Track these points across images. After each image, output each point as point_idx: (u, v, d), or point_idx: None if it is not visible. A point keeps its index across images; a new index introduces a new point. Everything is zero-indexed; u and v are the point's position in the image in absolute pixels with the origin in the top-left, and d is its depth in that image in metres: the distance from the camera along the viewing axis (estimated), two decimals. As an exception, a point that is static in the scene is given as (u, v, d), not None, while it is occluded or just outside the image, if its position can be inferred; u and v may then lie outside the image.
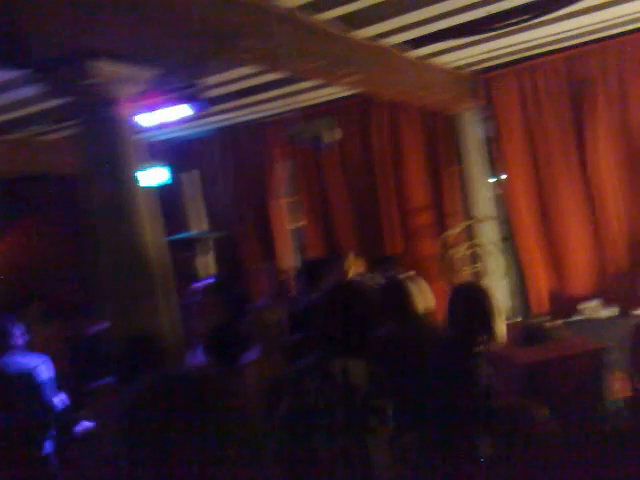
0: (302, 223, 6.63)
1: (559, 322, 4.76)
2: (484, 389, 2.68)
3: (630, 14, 4.58)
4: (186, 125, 6.11)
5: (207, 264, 6.78)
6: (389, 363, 2.59)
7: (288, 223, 6.73)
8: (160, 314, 3.26)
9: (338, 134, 3.27)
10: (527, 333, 4.66)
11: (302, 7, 3.74)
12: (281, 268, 5.93)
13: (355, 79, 4.26)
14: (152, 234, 3.37)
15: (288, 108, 4.11)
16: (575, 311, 5.32)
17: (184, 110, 4.40)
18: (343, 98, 5.96)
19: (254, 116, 6.26)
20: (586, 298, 5.34)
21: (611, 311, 5.17)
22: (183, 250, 6.17)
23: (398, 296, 3.25)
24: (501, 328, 2.78)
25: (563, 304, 5.41)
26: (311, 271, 4.38)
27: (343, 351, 2.37)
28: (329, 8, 3.80)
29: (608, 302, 5.22)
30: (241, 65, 4.37)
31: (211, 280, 4.94)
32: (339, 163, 6.25)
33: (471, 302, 2.83)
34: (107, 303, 3.34)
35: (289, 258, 6.53)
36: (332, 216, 6.35)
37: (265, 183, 6.62)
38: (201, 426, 1.28)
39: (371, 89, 4.91)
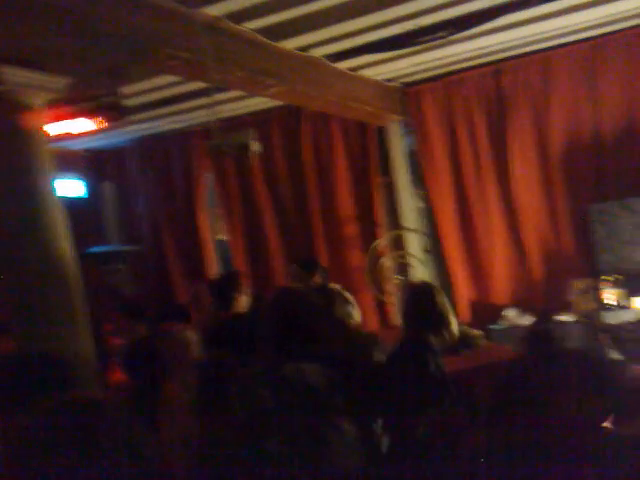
0: (227, 235, 6.51)
1: (480, 331, 4.85)
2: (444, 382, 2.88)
3: (551, 30, 4.72)
4: (104, 134, 5.89)
5: (127, 279, 6.55)
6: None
7: (212, 235, 6.59)
8: (70, 333, 3.10)
9: (263, 145, 3.21)
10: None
11: (227, 16, 3.67)
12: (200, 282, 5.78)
13: (281, 90, 4.21)
14: (62, 248, 3.21)
15: (212, 118, 4.00)
16: (497, 319, 5.43)
17: (100, 119, 4.22)
18: (270, 108, 5.90)
19: (176, 126, 6.11)
20: (507, 306, 5.47)
21: (531, 318, 5.31)
22: (101, 264, 5.94)
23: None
24: (454, 324, 2.98)
25: (486, 313, 5.52)
26: (224, 286, 4.26)
27: (294, 355, 2.41)
28: (255, 18, 3.75)
29: (528, 310, 5.36)
30: (163, 73, 4.25)
31: (130, 297, 4.76)
32: (265, 174, 6.16)
33: (426, 300, 2.99)
34: (13, 321, 3.16)
35: (213, 271, 6.39)
36: (258, 228, 6.26)
37: (188, 194, 6.45)
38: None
39: (298, 100, 4.88)
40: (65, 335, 3.09)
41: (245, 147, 3.25)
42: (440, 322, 3.00)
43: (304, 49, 4.34)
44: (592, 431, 2.47)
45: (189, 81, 4.46)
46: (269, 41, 4.05)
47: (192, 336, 3.41)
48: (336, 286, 4.89)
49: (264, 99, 5.11)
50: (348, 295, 4.81)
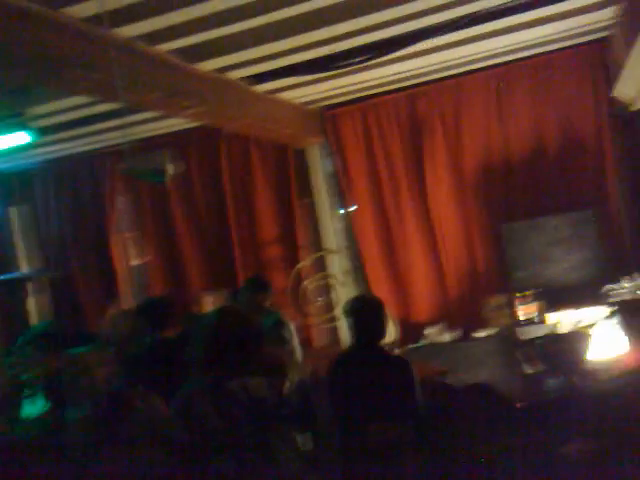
0: (146, 259, 6.32)
1: (404, 348, 4.92)
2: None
3: (462, 57, 4.90)
4: (12, 157, 5.63)
5: (42, 306, 6.24)
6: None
7: (130, 259, 6.39)
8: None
9: (180, 167, 3.14)
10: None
11: (142, 37, 3.59)
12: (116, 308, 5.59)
13: (198, 111, 4.15)
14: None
15: (128, 139, 3.90)
16: (421, 336, 5.52)
17: (9, 140, 4.03)
18: (188, 130, 5.81)
19: (92, 147, 5.92)
20: (431, 323, 5.57)
21: (453, 335, 5.43)
22: (12, 291, 5.63)
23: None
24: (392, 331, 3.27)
25: (410, 330, 5.60)
26: (155, 310, 4.16)
27: (238, 370, 2.47)
28: (171, 39, 3.69)
29: (450, 326, 5.47)
30: (76, 94, 4.12)
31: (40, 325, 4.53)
32: (183, 196, 6.06)
33: (371, 311, 3.22)
34: None
35: (131, 297, 6.18)
36: (179, 251, 6.12)
37: (105, 217, 6.26)
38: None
39: (216, 121, 4.83)
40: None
41: (160, 169, 3.16)
42: (383, 333, 3.24)
43: (222, 71, 4.31)
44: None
45: (102, 102, 4.34)
46: (185, 62, 3.99)
47: (95, 363, 3.32)
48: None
49: (182, 120, 5.04)
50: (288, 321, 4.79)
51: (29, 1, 2.97)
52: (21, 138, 4.19)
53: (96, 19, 3.21)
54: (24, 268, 6.52)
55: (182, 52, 3.88)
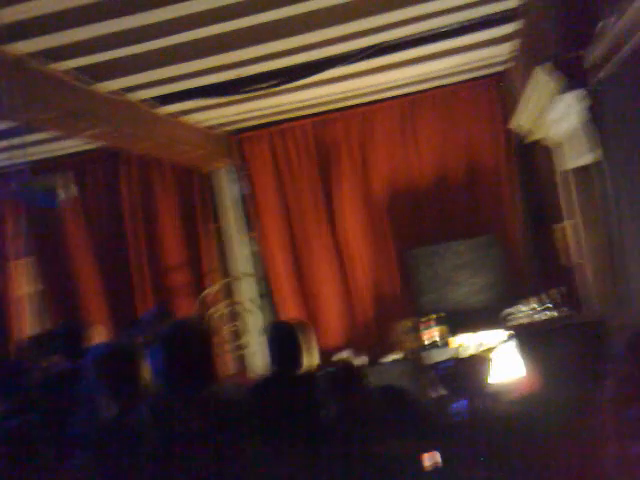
0: (39, 287, 5.95)
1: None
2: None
3: (370, 86, 4.99)
4: None
5: None
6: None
7: (23, 287, 6.00)
8: None
9: (75, 191, 2.99)
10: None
11: (39, 54, 3.42)
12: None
13: (98, 132, 3.99)
14: None
15: (21, 160, 3.66)
16: (329, 363, 5.48)
17: None
18: (88, 151, 5.58)
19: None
20: (339, 349, 5.55)
21: (361, 360, 5.43)
22: None
23: None
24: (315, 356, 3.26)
25: (322, 356, 5.54)
26: (72, 335, 3.94)
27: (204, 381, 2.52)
28: (69, 58, 3.53)
29: (358, 352, 5.48)
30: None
31: None
32: (83, 220, 5.79)
33: (290, 338, 3.20)
34: None
35: (27, 326, 5.80)
36: (74, 279, 5.82)
37: (-4, 243, 5.87)
38: None
39: (117, 143, 4.65)
40: None
41: (53, 193, 2.99)
42: (296, 357, 3.20)
43: (125, 91, 4.16)
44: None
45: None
46: (86, 82, 3.83)
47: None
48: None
49: (80, 142, 4.82)
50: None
51: None
52: None
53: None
54: None
55: (83, 71, 3.72)
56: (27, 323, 5.85)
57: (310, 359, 3.25)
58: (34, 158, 5.10)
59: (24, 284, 5.98)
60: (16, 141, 3.47)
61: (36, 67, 3.46)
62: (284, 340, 3.25)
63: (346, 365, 3.28)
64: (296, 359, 3.18)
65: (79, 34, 3.26)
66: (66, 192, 3.09)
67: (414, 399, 3.01)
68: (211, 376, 2.64)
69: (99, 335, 4.53)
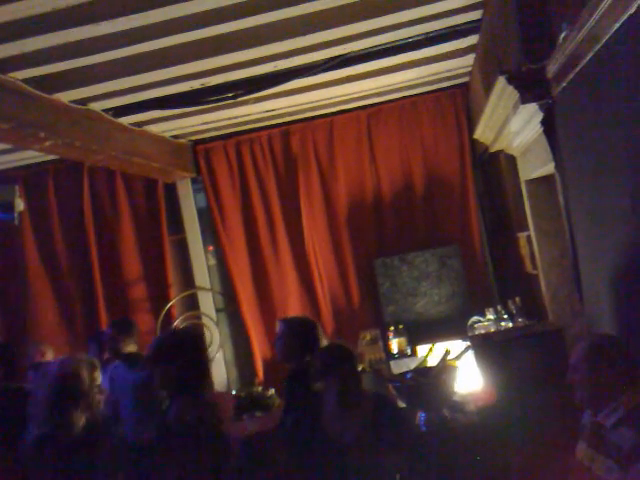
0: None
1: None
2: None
3: (333, 97, 5.01)
4: None
5: None
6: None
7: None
8: None
9: (21, 204, 2.92)
10: (246, 404, 4.66)
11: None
12: None
13: (55, 143, 3.89)
14: None
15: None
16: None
17: None
18: (45, 162, 5.47)
19: None
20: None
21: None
22: None
23: None
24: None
25: (284, 370, 5.51)
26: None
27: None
28: (21, 68, 3.45)
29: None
30: None
31: None
32: (39, 233, 5.68)
33: (308, 332, 3.45)
34: None
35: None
36: (31, 293, 5.68)
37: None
38: None
39: (75, 155, 4.56)
40: None
41: (8, 205, 2.92)
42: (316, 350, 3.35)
43: (81, 102, 4.09)
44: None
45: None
46: (41, 93, 3.75)
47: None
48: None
49: (37, 152, 4.73)
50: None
51: None
52: None
53: None
54: None
55: (36, 81, 3.64)
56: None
57: None
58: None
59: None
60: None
61: (-10, 77, 3.38)
62: (309, 331, 3.46)
63: (340, 344, 3.36)
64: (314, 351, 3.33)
65: (34, 44, 3.19)
66: (22, 204, 3.02)
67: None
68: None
69: (50, 352, 4.45)
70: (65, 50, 3.31)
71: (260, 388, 5.01)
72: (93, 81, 3.78)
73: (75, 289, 5.71)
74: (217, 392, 5.36)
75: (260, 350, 5.62)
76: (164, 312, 5.53)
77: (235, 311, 5.71)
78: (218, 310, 5.83)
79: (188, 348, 2.86)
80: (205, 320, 5.70)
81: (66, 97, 3.94)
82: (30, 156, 5.18)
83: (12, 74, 3.47)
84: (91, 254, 5.66)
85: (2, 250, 5.74)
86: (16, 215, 3.00)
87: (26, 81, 3.57)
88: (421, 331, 5.06)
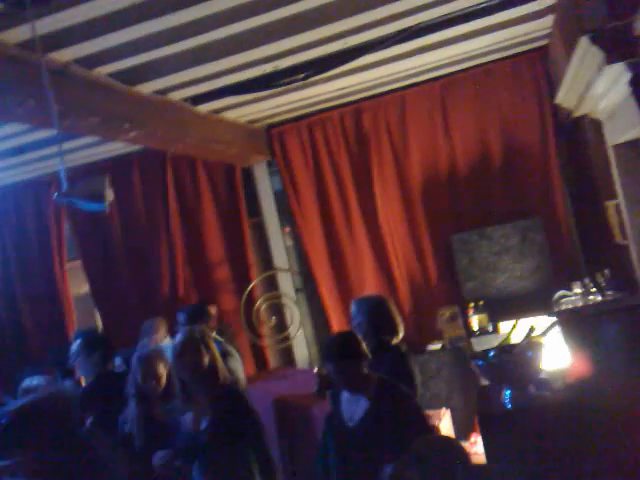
0: (89, 287, 6.14)
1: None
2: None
3: (404, 70, 4.93)
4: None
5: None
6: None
7: (74, 289, 6.20)
8: None
9: (111, 194, 3.06)
10: (327, 381, 4.72)
11: (78, 61, 3.49)
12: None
13: (139, 134, 4.06)
14: None
15: (64, 166, 3.80)
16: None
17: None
18: (130, 153, 5.69)
19: (28, 175, 5.74)
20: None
21: (406, 348, 5.39)
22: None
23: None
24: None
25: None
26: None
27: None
28: (108, 63, 3.61)
29: (404, 340, 5.43)
30: (10, 122, 3.99)
31: None
32: (126, 220, 5.93)
33: (384, 310, 3.51)
34: None
35: (74, 327, 6.00)
36: (121, 278, 5.97)
37: (44, 247, 6.07)
38: None
39: (158, 144, 4.74)
40: None
41: (99, 195, 3.06)
42: (395, 330, 3.45)
43: (163, 92, 4.23)
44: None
45: (38, 129, 4.21)
46: (124, 85, 3.90)
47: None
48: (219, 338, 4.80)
49: (123, 144, 4.93)
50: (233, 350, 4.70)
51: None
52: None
53: (28, 45, 3.11)
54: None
55: (120, 75, 3.79)
56: (76, 323, 6.06)
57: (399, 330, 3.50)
58: (81, 162, 5.28)
59: (74, 286, 6.20)
60: (61, 147, 3.57)
61: (77, 73, 3.54)
62: (379, 311, 3.49)
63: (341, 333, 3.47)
64: (393, 329, 3.42)
65: (114, 39, 3.31)
66: (112, 194, 3.16)
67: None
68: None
69: (163, 328, 4.64)
70: (144, 43, 3.43)
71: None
72: (171, 71, 3.89)
73: (161, 271, 5.93)
74: (300, 369, 5.50)
75: (339, 328, 5.68)
76: (247, 293, 5.68)
77: (313, 290, 5.78)
78: (297, 290, 5.93)
79: None
80: (285, 300, 5.81)
81: (147, 88, 4.07)
82: (116, 147, 5.41)
83: (98, 69, 3.62)
84: (175, 238, 5.87)
85: (91, 237, 6.03)
86: (106, 205, 3.13)
87: (111, 75, 3.72)
88: (503, 307, 4.97)
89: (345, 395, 2.99)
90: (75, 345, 3.85)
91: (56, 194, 3.05)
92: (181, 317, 4.63)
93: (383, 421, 2.82)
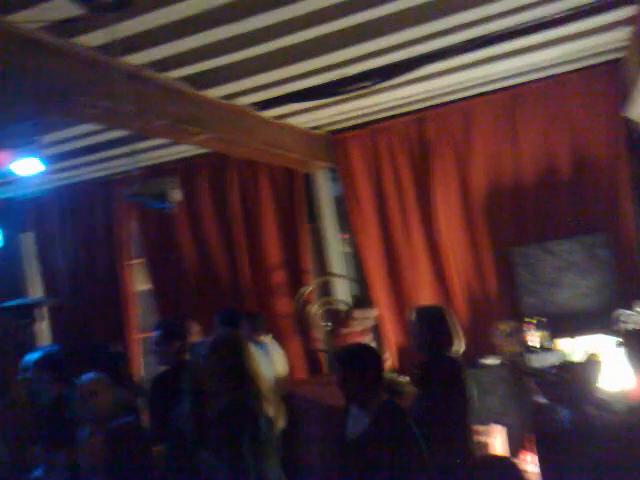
0: (149, 285, 6.31)
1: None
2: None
3: (471, 80, 4.88)
4: (23, 184, 5.69)
5: (44, 333, 6.27)
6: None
7: (138, 285, 6.39)
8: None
9: (184, 194, 3.16)
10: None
11: (150, 65, 3.63)
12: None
13: (204, 138, 4.17)
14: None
15: (133, 166, 3.96)
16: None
17: (17, 169, 4.07)
18: (196, 156, 5.84)
19: (99, 174, 5.97)
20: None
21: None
22: (17, 318, 5.65)
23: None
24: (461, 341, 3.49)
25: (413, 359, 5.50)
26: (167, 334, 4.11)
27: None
28: (178, 67, 3.73)
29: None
30: (83, 122, 4.16)
31: (45, 351, 4.54)
32: (191, 221, 6.07)
33: (440, 320, 3.49)
34: None
35: (135, 323, 6.19)
36: (183, 277, 6.11)
37: (113, 244, 6.28)
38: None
39: (223, 148, 4.84)
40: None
41: (165, 196, 3.17)
42: (451, 340, 3.42)
43: (229, 97, 4.32)
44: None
45: (110, 129, 4.37)
46: (193, 89, 4.02)
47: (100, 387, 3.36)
48: (266, 338, 4.85)
49: (190, 146, 5.07)
50: (275, 346, 4.72)
51: (39, 32, 3.01)
52: (32, 165, 4.22)
53: (104, 48, 3.24)
54: (34, 294, 6.56)
55: (190, 79, 3.90)
56: (137, 319, 6.25)
57: (459, 342, 3.46)
58: (149, 163, 5.46)
59: (139, 282, 6.39)
60: (129, 148, 3.71)
61: (149, 77, 3.67)
62: (438, 322, 3.46)
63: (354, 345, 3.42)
64: (450, 341, 3.39)
65: (186, 44, 3.42)
66: (177, 195, 3.26)
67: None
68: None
69: (195, 331, 4.73)
70: (214, 48, 3.52)
71: (394, 374, 5.04)
72: (239, 77, 3.98)
73: (222, 272, 6.02)
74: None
75: (394, 337, 5.65)
76: (301, 297, 5.72)
77: (368, 298, 5.76)
78: (352, 297, 5.92)
79: None
80: (340, 305, 5.82)
81: (215, 93, 4.18)
82: (184, 150, 5.56)
83: (169, 73, 3.74)
84: (236, 240, 5.96)
85: (162, 238, 6.21)
86: (172, 205, 3.24)
87: (181, 79, 3.84)
88: (562, 324, 4.82)
89: (354, 408, 2.95)
90: (155, 334, 3.95)
91: (125, 192, 3.17)
92: (217, 319, 4.69)
93: (379, 443, 2.73)
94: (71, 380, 3.72)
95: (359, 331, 5.25)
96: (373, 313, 5.49)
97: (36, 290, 6.63)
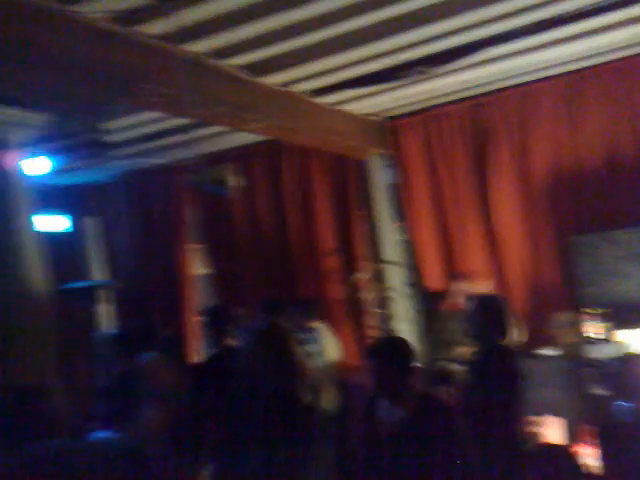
0: (208, 269, 6.45)
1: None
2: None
3: (530, 64, 4.78)
4: (88, 170, 5.88)
5: (108, 315, 6.47)
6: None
7: (196, 269, 6.54)
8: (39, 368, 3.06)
9: (242, 181, 3.22)
10: (435, 377, 4.70)
11: (209, 53, 3.70)
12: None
13: (262, 125, 4.22)
14: (36, 284, 3.18)
15: (193, 153, 4.07)
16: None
17: (82, 155, 4.21)
18: (252, 143, 5.90)
19: (159, 161, 6.10)
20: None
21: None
22: (82, 300, 5.86)
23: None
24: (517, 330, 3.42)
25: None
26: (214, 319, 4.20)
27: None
28: (236, 54, 3.78)
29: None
30: (145, 110, 4.26)
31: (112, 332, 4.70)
32: (247, 207, 6.14)
33: (498, 309, 3.44)
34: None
35: (194, 306, 6.33)
36: (239, 261, 6.20)
37: (173, 228, 6.43)
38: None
39: (279, 135, 4.88)
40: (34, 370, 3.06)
41: (223, 182, 3.24)
42: (508, 329, 3.39)
43: (285, 85, 4.36)
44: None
45: (171, 117, 4.46)
46: (250, 77, 4.06)
47: (161, 368, 3.45)
48: (319, 324, 4.88)
49: (247, 134, 5.13)
50: (328, 333, 4.74)
51: (104, 21, 3.10)
52: (95, 152, 4.36)
53: (166, 36, 3.32)
54: (98, 277, 6.79)
55: (247, 67, 3.95)
56: (196, 301, 6.40)
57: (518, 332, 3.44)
58: (208, 150, 5.55)
59: (198, 266, 6.54)
60: (193, 135, 3.80)
61: (209, 65, 3.74)
62: (497, 311, 3.43)
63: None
64: (507, 331, 3.37)
65: (244, 32, 3.47)
66: (234, 181, 3.33)
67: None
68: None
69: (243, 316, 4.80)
70: (272, 36, 3.56)
71: (448, 363, 5.01)
72: (295, 64, 4.01)
73: (276, 258, 6.07)
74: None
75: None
76: (354, 283, 5.74)
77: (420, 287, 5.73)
78: (405, 284, 5.90)
79: None
80: (392, 293, 5.81)
81: (271, 80, 4.22)
82: (242, 137, 5.61)
83: (227, 60, 3.80)
84: (289, 227, 6.02)
85: (220, 224, 6.31)
86: (229, 191, 3.31)
87: (238, 67, 3.89)
88: (622, 315, 4.68)
89: (383, 400, 2.86)
90: (203, 319, 4.05)
91: (186, 179, 3.26)
92: (259, 308, 4.73)
93: (418, 435, 2.66)
94: (132, 359, 3.83)
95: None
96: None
97: (99, 273, 6.85)
